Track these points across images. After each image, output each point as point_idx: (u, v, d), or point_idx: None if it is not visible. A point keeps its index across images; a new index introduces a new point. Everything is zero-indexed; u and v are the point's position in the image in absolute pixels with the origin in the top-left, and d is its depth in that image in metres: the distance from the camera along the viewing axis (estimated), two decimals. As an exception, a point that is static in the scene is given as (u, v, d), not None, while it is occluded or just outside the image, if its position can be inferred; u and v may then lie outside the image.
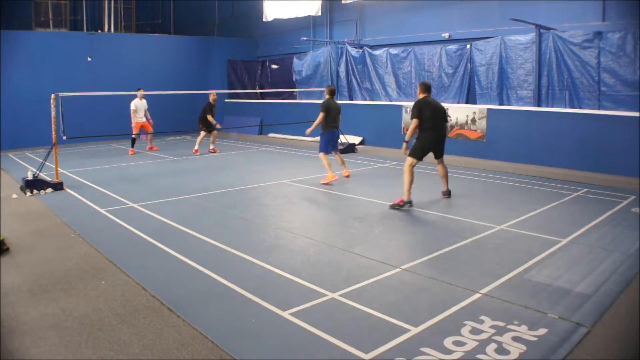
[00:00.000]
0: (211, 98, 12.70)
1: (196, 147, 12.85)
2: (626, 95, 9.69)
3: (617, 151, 9.51)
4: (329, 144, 8.87)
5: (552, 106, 10.82)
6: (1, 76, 14.41)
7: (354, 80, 15.35)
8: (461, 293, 4.02)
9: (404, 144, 7.08)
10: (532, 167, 10.36)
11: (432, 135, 7.04)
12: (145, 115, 13.17)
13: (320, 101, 15.28)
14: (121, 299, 4.00)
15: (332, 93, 8.92)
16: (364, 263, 4.77)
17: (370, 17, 15.55)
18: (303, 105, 16.62)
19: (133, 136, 13.20)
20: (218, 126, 12.98)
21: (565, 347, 3.19)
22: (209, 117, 12.57)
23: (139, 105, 12.99)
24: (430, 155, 7.28)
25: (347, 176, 9.19)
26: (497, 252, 5.05)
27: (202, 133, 12.89)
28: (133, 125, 13.01)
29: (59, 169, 8.68)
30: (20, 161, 11.87)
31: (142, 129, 13.30)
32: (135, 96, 12.98)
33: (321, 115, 8.58)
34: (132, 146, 13.21)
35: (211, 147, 13.19)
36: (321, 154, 8.82)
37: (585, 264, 4.69)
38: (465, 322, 3.50)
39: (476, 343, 3.23)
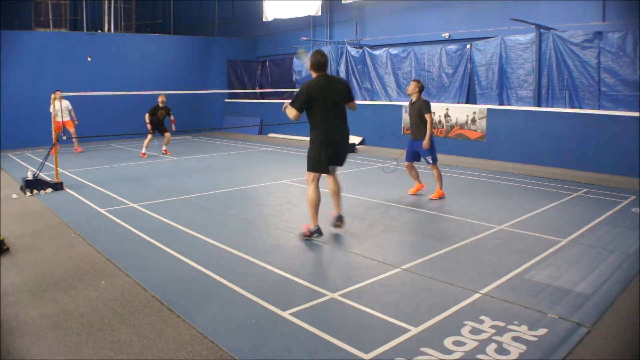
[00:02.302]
0: (159, 99, 12.45)
1: (143, 150, 12.42)
2: (626, 95, 9.68)
3: (617, 151, 9.51)
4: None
5: (552, 106, 10.82)
6: (1, 76, 14.41)
7: (354, 80, 15.34)
8: (461, 293, 4.02)
9: None
10: (532, 167, 10.36)
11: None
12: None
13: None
14: (121, 299, 4.00)
15: (422, 89, 7.49)
16: (364, 263, 4.77)
17: (370, 17, 15.55)
18: (303, 105, 16.60)
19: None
20: (148, 126, 12.33)
21: (565, 347, 3.19)
22: (146, 116, 12.22)
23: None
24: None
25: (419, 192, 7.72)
26: (497, 252, 5.05)
27: (149, 136, 12.45)
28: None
29: (59, 169, 8.68)
30: (20, 161, 11.86)
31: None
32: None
33: (430, 116, 7.22)
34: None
35: (163, 148, 12.98)
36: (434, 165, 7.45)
37: (585, 264, 4.69)
38: (465, 322, 3.50)
39: (476, 343, 3.23)
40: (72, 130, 12.66)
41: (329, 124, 5.27)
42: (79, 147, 13.54)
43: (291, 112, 5.27)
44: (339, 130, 5.35)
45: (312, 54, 5.31)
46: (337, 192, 5.49)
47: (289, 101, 5.31)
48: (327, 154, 5.28)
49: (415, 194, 7.68)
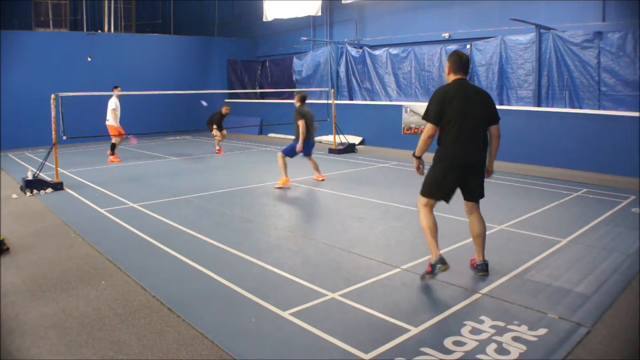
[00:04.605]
0: (223, 110, 13.08)
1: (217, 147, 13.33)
2: (626, 95, 9.68)
3: (617, 151, 9.51)
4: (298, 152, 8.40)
5: (552, 106, 10.82)
6: (1, 76, 14.41)
7: (354, 80, 15.35)
8: (461, 293, 4.02)
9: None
10: (532, 167, 10.36)
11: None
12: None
13: (320, 101, 15.45)
14: (121, 299, 4.00)
15: (303, 100, 8.54)
16: (364, 263, 4.77)
17: (370, 17, 15.55)
18: (303, 105, 16.60)
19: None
20: (214, 130, 13.18)
21: (565, 347, 3.19)
22: (213, 126, 13.08)
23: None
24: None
25: (322, 180, 8.82)
26: (497, 252, 5.04)
27: (216, 135, 13.25)
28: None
29: (59, 169, 8.68)
30: (20, 161, 11.87)
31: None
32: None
33: (302, 123, 8.16)
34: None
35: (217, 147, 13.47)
36: (280, 155, 8.37)
37: (585, 264, 4.69)
38: (465, 322, 3.50)
39: (476, 343, 3.23)
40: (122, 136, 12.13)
41: (461, 145, 4.16)
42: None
43: (427, 130, 4.17)
44: (473, 156, 4.25)
45: (450, 54, 4.34)
46: (481, 235, 4.43)
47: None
48: (451, 183, 4.27)
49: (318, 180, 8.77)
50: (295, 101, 8.60)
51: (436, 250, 4.21)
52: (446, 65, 4.34)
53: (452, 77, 4.30)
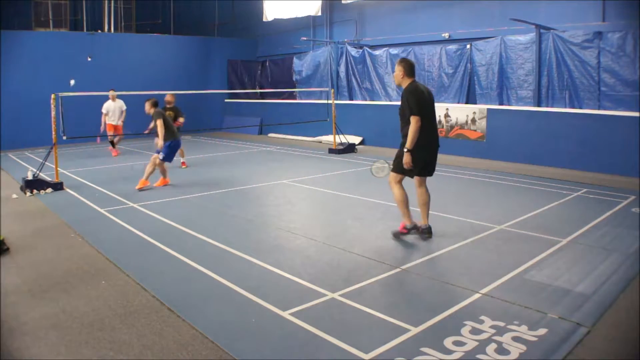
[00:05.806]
0: (165, 99, 10.49)
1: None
2: (626, 95, 9.68)
3: (617, 151, 9.51)
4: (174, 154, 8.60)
5: (552, 106, 10.82)
6: (1, 76, 14.41)
7: (354, 80, 15.35)
8: (461, 293, 4.02)
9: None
10: (532, 167, 10.36)
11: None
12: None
13: (320, 101, 15.48)
14: (121, 299, 4.00)
15: (156, 104, 8.66)
16: (364, 263, 4.77)
17: (370, 17, 15.55)
18: (303, 105, 16.62)
19: None
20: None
21: (565, 347, 3.19)
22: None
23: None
24: None
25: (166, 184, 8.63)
26: (497, 252, 5.05)
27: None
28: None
29: (59, 169, 8.68)
30: (20, 161, 11.87)
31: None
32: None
33: (161, 122, 8.26)
34: None
35: (182, 160, 10.72)
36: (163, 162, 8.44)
37: (585, 264, 4.69)
38: (465, 322, 3.50)
39: (476, 343, 3.23)
40: (119, 134, 12.41)
41: (429, 133, 5.16)
42: (116, 151, 12.89)
43: (416, 122, 5.00)
44: (435, 141, 5.31)
45: (400, 60, 5.24)
46: (426, 203, 5.39)
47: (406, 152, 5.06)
48: (420, 162, 5.16)
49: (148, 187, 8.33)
50: (149, 108, 8.61)
51: (410, 217, 5.32)
52: (398, 70, 5.19)
53: (407, 80, 5.18)
